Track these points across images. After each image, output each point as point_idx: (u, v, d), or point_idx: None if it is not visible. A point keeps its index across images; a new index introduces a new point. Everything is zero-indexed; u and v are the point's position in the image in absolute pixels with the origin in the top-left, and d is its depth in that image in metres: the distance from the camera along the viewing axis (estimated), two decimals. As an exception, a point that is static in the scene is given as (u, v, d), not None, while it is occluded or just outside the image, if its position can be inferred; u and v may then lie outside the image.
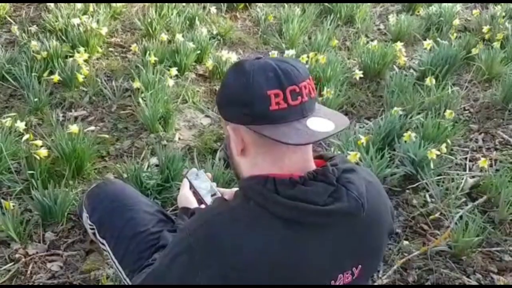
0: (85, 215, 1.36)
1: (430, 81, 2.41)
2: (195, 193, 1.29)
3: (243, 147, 0.94)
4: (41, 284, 1.55)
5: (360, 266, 0.97)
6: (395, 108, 2.20)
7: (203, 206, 1.26)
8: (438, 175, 1.98)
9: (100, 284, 1.49)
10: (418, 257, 1.70)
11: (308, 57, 2.54)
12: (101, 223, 1.29)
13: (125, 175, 1.93)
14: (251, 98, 0.89)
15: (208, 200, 1.26)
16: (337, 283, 0.94)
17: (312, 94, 0.92)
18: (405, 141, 1.99)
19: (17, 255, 1.63)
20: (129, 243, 1.23)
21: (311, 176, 0.91)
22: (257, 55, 0.95)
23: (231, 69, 0.96)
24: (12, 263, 1.61)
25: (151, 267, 0.98)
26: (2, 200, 1.73)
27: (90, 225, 1.33)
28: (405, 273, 1.65)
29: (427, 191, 1.95)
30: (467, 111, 2.53)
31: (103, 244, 1.28)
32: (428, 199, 1.92)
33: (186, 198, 1.28)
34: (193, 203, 1.29)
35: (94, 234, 1.33)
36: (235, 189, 1.28)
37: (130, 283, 1.21)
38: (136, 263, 1.19)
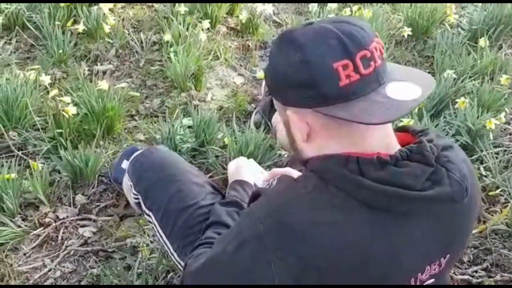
0: (128, 183, 1.24)
1: (484, 42, 2.21)
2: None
3: (309, 131, 0.79)
4: (73, 250, 1.47)
5: (448, 255, 0.85)
6: (448, 71, 2.02)
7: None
8: (495, 147, 1.83)
9: (140, 253, 1.39)
10: (473, 235, 1.58)
11: (351, 11, 2.33)
12: (147, 194, 1.17)
13: (157, 136, 1.81)
14: (314, 77, 0.73)
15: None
16: (424, 276, 0.83)
17: (383, 54, 0.77)
18: (462, 109, 1.83)
19: (47, 219, 1.54)
20: (177, 216, 1.12)
21: (404, 155, 0.77)
22: (307, 21, 0.80)
23: (279, 43, 0.80)
24: (42, 227, 1.52)
25: (209, 251, 0.87)
26: (30, 161, 1.62)
27: (134, 194, 1.22)
28: (460, 252, 1.54)
29: (481, 163, 1.81)
30: (521, 76, 2.33)
31: (148, 215, 1.18)
32: (483, 172, 1.78)
33: (239, 169, 1.16)
34: (244, 176, 1.16)
35: (138, 204, 1.22)
36: (291, 170, 1.15)
37: (177, 259, 1.12)
38: (185, 239, 1.09)
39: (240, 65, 2.28)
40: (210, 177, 1.67)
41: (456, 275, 1.47)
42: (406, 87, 0.76)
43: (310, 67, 0.74)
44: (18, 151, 1.70)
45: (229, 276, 0.80)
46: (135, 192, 1.21)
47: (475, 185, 0.86)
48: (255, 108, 2.01)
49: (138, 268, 1.36)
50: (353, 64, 0.73)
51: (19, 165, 1.64)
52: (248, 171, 1.16)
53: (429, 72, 2.24)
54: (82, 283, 1.39)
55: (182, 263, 1.07)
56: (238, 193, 1.11)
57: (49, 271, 1.41)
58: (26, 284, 1.37)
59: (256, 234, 0.77)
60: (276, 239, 0.75)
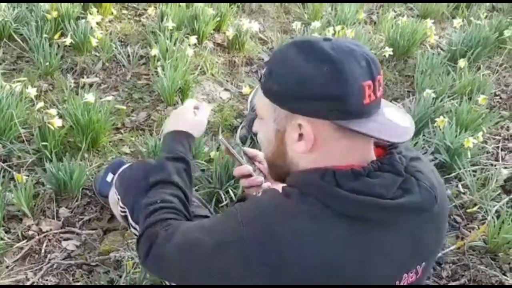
0: (115, 196, 1.25)
1: (464, 63, 2.29)
2: (229, 152, 1.25)
3: (314, 142, 0.83)
4: (56, 263, 1.46)
5: (424, 263, 0.89)
6: (428, 91, 2.08)
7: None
8: (473, 165, 1.89)
9: (125, 267, 1.40)
10: (452, 251, 1.62)
11: (334, 30, 2.39)
12: (134, 207, 1.18)
13: (143, 150, 1.82)
14: (344, 92, 0.78)
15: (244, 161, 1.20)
16: (403, 283, 0.86)
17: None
18: (440, 127, 1.88)
19: (30, 232, 1.54)
20: None
21: (376, 167, 0.82)
22: (324, 36, 0.84)
23: (302, 52, 0.80)
24: (25, 240, 1.51)
25: (188, 229, 0.90)
26: (14, 173, 1.62)
27: (121, 207, 1.23)
28: (438, 268, 1.58)
29: (459, 180, 1.86)
30: (497, 97, 2.42)
31: (135, 228, 1.19)
32: (461, 190, 1.83)
33: (184, 118, 1.21)
34: (190, 127, 1.21)
35: (125, 217, 1.23)
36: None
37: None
38: None
39: (227, 81, 2.32)
40: (196, 191, 1.69)
41: (434, 290, 1.51)
42: (397, 113, 0.85)
43: (342, 82, 0.77)
44: (3, 163, 1.69)
45: (207, 266, 0.84)
46: (122, 205, 1.22)
47: (443, 193, 0.91)
48: (241, 123, 2.04)
49: (122, 282, 1.36)
50: (374, 85, 0.80)
51: (3, 177, 1.63)
52: (191, 121, 1.21)
53: (409, 91, 2.34)
54: (64, 297, 1.38)
55: None
56: (184, 149, 1.15)
57: (32, 284, 1.40)
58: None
59: (238, 236, 0.80)
60: (256, 245, 0.78)
